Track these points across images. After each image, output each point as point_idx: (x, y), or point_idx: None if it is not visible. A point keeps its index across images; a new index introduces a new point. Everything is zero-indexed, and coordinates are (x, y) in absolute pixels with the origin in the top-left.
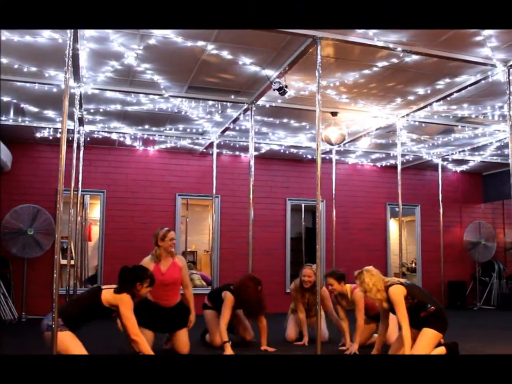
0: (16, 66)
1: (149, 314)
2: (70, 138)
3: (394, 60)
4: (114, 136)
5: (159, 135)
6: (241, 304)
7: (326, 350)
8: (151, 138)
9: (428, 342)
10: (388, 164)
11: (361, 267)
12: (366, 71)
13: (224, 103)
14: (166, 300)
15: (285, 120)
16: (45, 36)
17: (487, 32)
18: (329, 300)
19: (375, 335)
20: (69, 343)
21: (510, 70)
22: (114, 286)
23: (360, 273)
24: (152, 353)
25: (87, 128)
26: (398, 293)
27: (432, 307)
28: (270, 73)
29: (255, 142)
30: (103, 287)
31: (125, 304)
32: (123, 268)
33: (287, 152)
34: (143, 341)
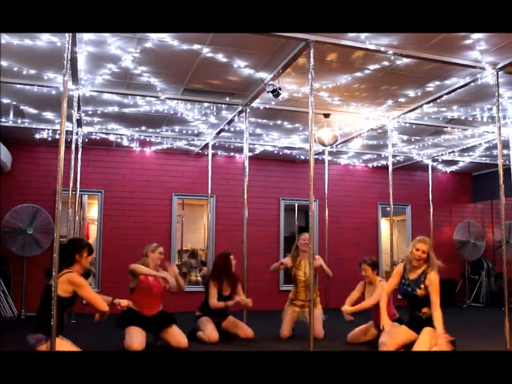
0: (15, 69)
1: (135, 320)
2: (69, 140)
3: (386, 63)
4: (111, 138)
5: (155, 137)
6: (217, 275)
7: (319, 347)
8: (147, 139)
9: (430, 340)
10: (379, 165)
11: (353, 266)
12: (358, 74)
13: (219, 105)
14: (149, 308)
15: (279, 122)
16: (44, 40)
17: (476, 35)
18: (322, 262)
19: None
20: (63, 349)
21: (499, 72)
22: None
23: (426, 240)
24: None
25: (85, 129)
26: (437, 278)
27: None
28: (264, 75)
29: (249, 143)
30: (50, 282)
31: (78, 283)
32: (59, 246)
33: (280, 153)
34: (107, 299)
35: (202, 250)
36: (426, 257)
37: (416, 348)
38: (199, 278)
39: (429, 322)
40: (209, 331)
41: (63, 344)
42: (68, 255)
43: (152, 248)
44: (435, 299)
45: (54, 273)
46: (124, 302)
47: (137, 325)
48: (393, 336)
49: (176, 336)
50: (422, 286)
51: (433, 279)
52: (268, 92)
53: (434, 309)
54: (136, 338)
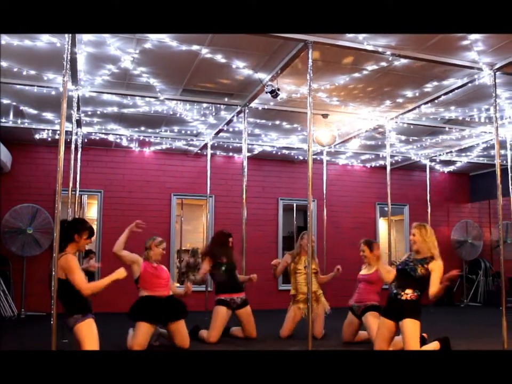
0: (15, 69)
1: (147, 307)
2: (68, 140)
3: (384, 64)
4: (111, 138)
5: (154, 137)
6: (213, 253)
7: (318, 346)
8: (147, 139)
9: (414, 334)
10: (377, 165)
11: (351, 265)
12: (356, 74)
13: (218, 105)
14: (158, 289)
15: (277, 122)
16: (44, 40)
17: (473, 36)
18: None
19: (361, 332)
20: (85, 333)
21: (496, 73)
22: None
23: (423, 225)
24: (108, 281)
25: (85, 130)
26: (441, 268)
27: (417, 295)
28: (263, 76)
29: (248, 144)
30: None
31: (70, 267)
32: (61, 222)
33: (279, 153)
34: (95, 284)
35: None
36: (422, 242)
37: (407, 346)
38: (192, 278)
39: (405, 306)
40: (213, 332)
41: (92, 328)
42: (67, 233)
43: (156, 243)
44: (435, 280)
45: (53, 273)
46: (94, 265)
47: (148, 317)
48: (379, 336)
49: (182, 334)
50: (426, 266)
51: (438, 265)
52: (266, 93)
53: (432, 286)
54: (139, 340)
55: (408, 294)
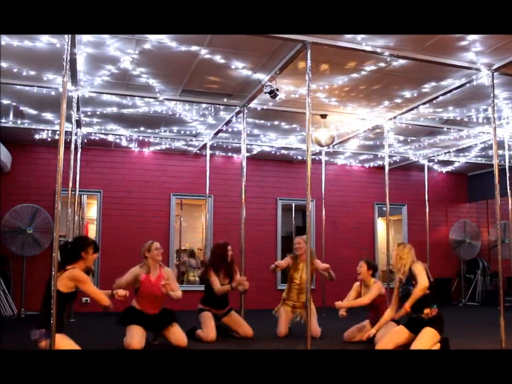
0: (15, 70)
1: (137, 318)
2: (68, 140)
3: (382, 64)
4: (110, 138)
5: (154, 137)
6: (215, 265)
7: (317, 345)
8: (146, 140)
9: (429, 340)
10: (376, 165)
11: (349, 265)
12: (355, 75)
13: (217, 105)
14: (151, 309)
15: (276, 123)
16: (44, 41)
17: (471, 37)
18: (320, 264)
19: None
20: (64, 345)
21: (494, 73)
22: (59, 273)
23: (404, 245)
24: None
25: (84, 130)
26: (420, 265)
27: (436, 309)
28: (262, 77)
29: (247, 144)
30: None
31: (81, 279)
32: (64, 244)
33: (278, 153)
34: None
35: (200, 249)
36: (400, 259)
37: (415, 346)
38: (197, 278)
39: (430, 323)
40: (208, 330)
41: (64, 341)
42: (74, 252)
43: (147, 248)
44: (421, 280)
45: (53, 273)
46: (122, 292)
47: (138, 323)
48: (390, 335)
49: (177, 334)
50: (413, 282)
51: (416, 269)
52: (265, 93)
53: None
54: (135, 337)
55: (427, 313)
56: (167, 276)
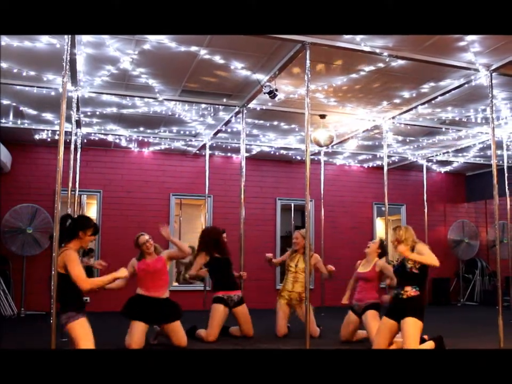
0: (15, 70)
1: (141, 307)
2: (68, 140)
3: (381, 65)
4: (110, 138)
5: (153, 137)
6: (208, 248)
7: (316, 345)
8: (145, 140)
9: (414, 333)
10: (375, 165)
11: (348, 264)
12: (353, 75)
13: (217, 106)
14: (154, 289)
15: (275, 123)
16: (43, 41)
17: (470, 37)
18: (320, 262)
19: (360, 331)
20: (79, 332)
21: (493, 74)
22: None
23: (398, 226)
24: (108, 278)
25: (84, 130)
26: (424, 246)
27: (417, 291)
28: (261, 77)
29: (246, 144)
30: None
31: (70, 260)
32: (64, 216)
33: (277, 153)
34: (95, 280)
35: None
36: (400, 243)
37: (406, 344)
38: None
39: (407, 305)
40: (210, 330)
41: (84, 329)
42: (72, 229)
43: (135, 242)
44: (425, 254)
45: (53, 272)
46: (102, 263)
47: (141, 316)
48: (379, 333)
49: (178, 334)
50: (410, 262)
51: (421, 247)
52: (264, 93)
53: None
54: (135, 337)
55: (407, 291)
56: (166, 256)
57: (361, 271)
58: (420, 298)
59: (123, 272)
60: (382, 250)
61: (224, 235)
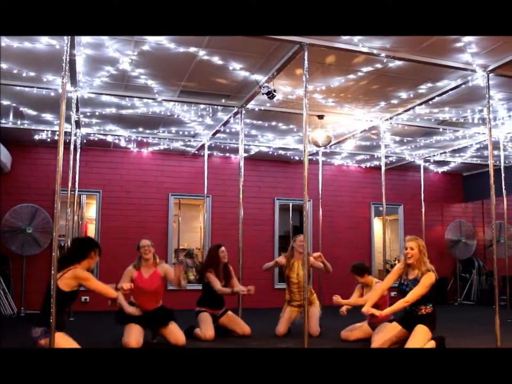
0: (15, 71)
1: (135, 316)
2: (67, 141)
3: (378, 65)
4: (109, 139)
5: (152, 138)
6: (210, 266)
7: (314, 344)
8: (145, 140)
9: (423, 338)
10: (372, 165)
11: (346, 264)
12: (351, 76)
13: (215, 106)
14: (148, 304)
15: (273, 123)
16: (43, 42)
17: (467, 38)
18: (312, 260)
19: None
20: (63, 344)
21: (489, 75)
22: (61, 273)
23: (416, 238)
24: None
25: (84, 130)
26: (432, 279)
27: (431, 307)
28: (259, 78)
29: (244, 144)
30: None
31: (84, 277)
32: (74, 240)
33: (275, 153)
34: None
35: (199, 249)
36: (419, 256)
37: (409, 345)
38: (192, 277)
39: (422, 319)
40: (205, 329)
41: (64, 340)
42: (83, 250)
43: (137, 246)
44: (416, 290)
45: (52, 272)
46: (127, 285)
47: (136, 321)
48: (384, 332)
49: (175, 333)
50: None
51: (425, 277)
52: (262, 94)
53: (406, 297)
54: (133, 336)
55: (423, 309)
56: (163, 272)
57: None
58: (434, 313)
59: (127, 286)
60: (366, 271)
61: (223, 249)
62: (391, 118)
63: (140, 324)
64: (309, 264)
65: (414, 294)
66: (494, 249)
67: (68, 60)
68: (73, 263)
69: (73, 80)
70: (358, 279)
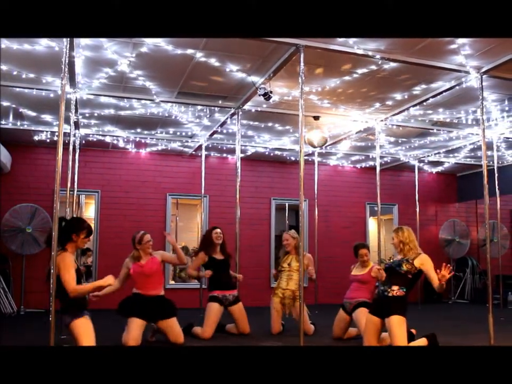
0: (15, 73)
1: (137, 304)
2: (66, 141)
3: (373, 67)
4: (108, 139)
5: (150, 138)
6: (204, 247)
7: (309, 342)
8: (143, 141)
9: (401, 331)
10: (367, 165)
11: (342, 263)
12: (347, 77)
13: (212, 107)
14: (149, 289)
15: (270, 124)
16: (43, 44)
17: (461, 40)
18: (311, 264)
19: (351, 328)
20: (81, 330)
21: (483, 76)
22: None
23: (400, 228)
24: (92, 287)
25: (83, 131)
26: (427, 258)
27: (404, 292)
28: (256, 79)
29: (241, 145)
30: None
31: (64, 263)
32: (59, 219)
33: (271, 154)
34: (80, 288)
35: (196, 248)
36: (401, 246)
37: (392, 340)
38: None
39: (391, 301)
40: (206, 328)
41: (88, 325)
42: (65, 233)
43: (138, 240)
44: (433, 275)
45: (52, 271)
46: (107, 281)
47: (138, 313)
48: (368, 331)
49: (175, 331)
50: (411, 261)
51: (425, 259)
52: (259, 95)
53: (432, 279)
54: (132, 335)
55: (394, 290)
56: (160, 257)
57: (356, 273)
58: (404, 298)
59: (108, 281)
60: (367, 249)
61: (218, 230)
62: (386, 119)
63: (142, 316)
64: (304, 264)
65: (430, 278)
66: (487, 249)
67: (67, 61)
68: (61, 247)
69: (72, 81)
70: (369, 256)
